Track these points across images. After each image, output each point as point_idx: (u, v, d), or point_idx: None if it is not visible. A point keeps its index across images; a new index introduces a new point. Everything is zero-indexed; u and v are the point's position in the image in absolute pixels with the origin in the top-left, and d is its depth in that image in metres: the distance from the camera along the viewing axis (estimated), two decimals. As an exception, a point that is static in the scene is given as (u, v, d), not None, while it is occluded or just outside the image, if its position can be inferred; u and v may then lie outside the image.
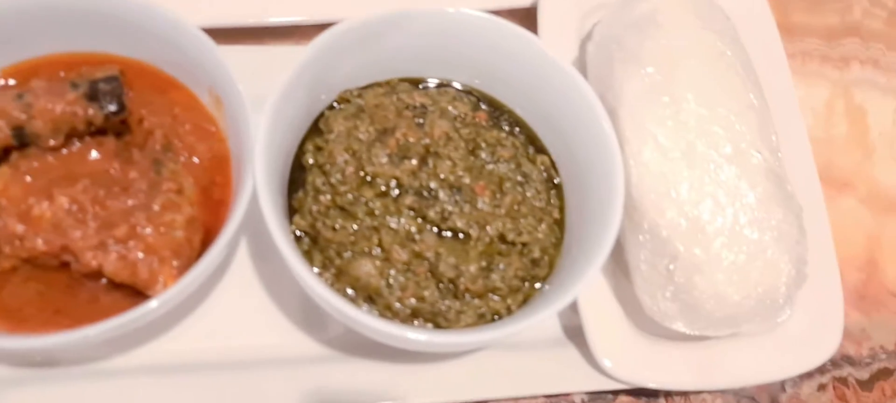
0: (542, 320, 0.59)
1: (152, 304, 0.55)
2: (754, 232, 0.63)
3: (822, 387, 0.79)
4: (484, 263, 0.64)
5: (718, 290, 0.63)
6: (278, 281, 0.71)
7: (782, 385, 0.78)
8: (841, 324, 0.72)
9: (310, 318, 0.70)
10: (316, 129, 0.68)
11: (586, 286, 0.59)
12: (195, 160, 0.65)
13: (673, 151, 0.64)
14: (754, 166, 0.64)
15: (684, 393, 0.75)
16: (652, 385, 0.69)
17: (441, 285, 0.63)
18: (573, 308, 0.72)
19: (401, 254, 0.62)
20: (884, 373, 0.81)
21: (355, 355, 0.69)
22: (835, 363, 0.80)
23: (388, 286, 0.62)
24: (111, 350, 0.66)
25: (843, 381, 0.80)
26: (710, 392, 0.73)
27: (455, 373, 0.69)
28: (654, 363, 0.69)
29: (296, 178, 0.67)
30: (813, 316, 0.71)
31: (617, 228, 0.60)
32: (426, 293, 0.62)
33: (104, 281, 0.60)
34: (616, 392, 0.75)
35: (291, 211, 0.65)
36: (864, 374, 0.80)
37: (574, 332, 0.73)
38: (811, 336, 0.71)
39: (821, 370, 0.80)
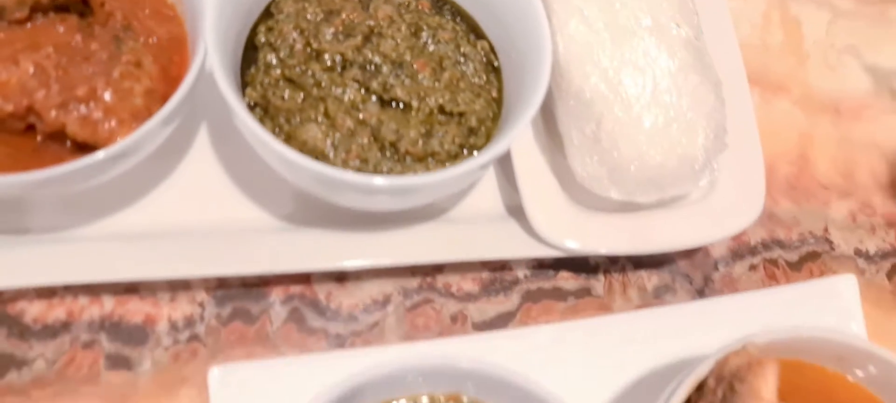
0: (478, 167, 0.63)
1: (99, 155, 0.60)
2: (672, 96, 0.68)
3: (753, 267, 0.84)
4: (423, 130, 0.69)
5: (641, 151, 0.68)
6: (238, 161, 0.75)
7: (715, 264, 0.83)
8: (762, 194, 0.77)
9: (267, 193, 0.75)
10: (267, 14, 0.73)
11: (517, 137, 0.64)
12: (153, 40, 0.70)
13: (597, 23, 0.69)
14: (673, 37, 0.69)
15: (617, 258, 0.80)
16: (588, 250, 0.74)
17: (383, 149, 0.68)
18: (514, 187, 0.77)
19: (345, 121, 0.67)
20: (812, 256, 0.86)
21: (307, 225, 0.74)
22: (766, 245, 0.85)
23: (334, 148, 0.67)
24: (79, 219, 0.71)
25: (774, 262, 0.84)
26: (641, 255, 0.78)
27: (399, 240, 0.73)
28: (589, 230, 0.74)
29: (249, 57, 0.71)
30: (736, 188, 0.76)
31: (546, 82, 0.64)
32: (369, 155, 0.67)
33: (68, 143, 0.65)
34: (556, 268, 0.80)
35: (245, 85, 0.70)
36: (794, 256, 0.85)
37: (515, 210, 0.78)
38: (735, 206, 0.76)
39: (752, 251, 0.85)
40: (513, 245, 0.75)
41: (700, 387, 0.61)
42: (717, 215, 0.75)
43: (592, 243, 0.73)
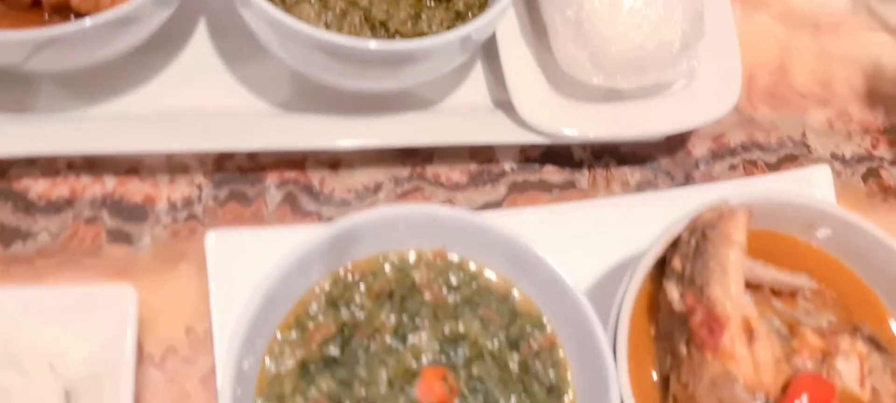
0: (469, 35, 0.66)
1: (86, 22, 0.63)
2: (651, -20, 0.71)
3: (733, 167, 0.87)
4: (413, 12, 0.72)
5: (620, 33, 0.71)
6: (237, 53, 0.78)
7: (696, 162, 0.86)
8: (738, 85, 0.79)
9: (264, 82, 0.77)
10: None
11: (504, 11, 0.67)
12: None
13: (579, -88, 0.72)
14: (653, -76, 0.72)
15: (601, 154, 0.83)
16: (571, 135, 0.76)
17: (374, 29, 0.71)
18: (501, 82, 0.79)
19: (337, 1, 0.70)
20: (789, 158, 0.88)
21: (302, 111, 0.77)
22: (745, 147, 0.88)
23: (326, 26, 0.70)
24: (83, 102, 0.74)
25: (753, 163, 0.87)
26: (623, 142, 0.81)
27: (391, 125, 0.76)
28: (573, 118, 0.77)
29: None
30: (714, 80, 0.79)
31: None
32: (361, 34, 0.70)
33: (73, 17, 0.68)
34: (542, 162, 0.83)
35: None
36: (772, 158, 0.88)
37: (502, 104, 0.80)
38: (712, 96, 0.79)
39: (732, 152, 0.88)
40: (499, 131, 0.78)
41: (675, 243, 0.64)
42: (695, 104, 0.78)
43: (576, 129, 0.76)
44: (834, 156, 0.90)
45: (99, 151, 0.72)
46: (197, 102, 0.76)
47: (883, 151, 0.91)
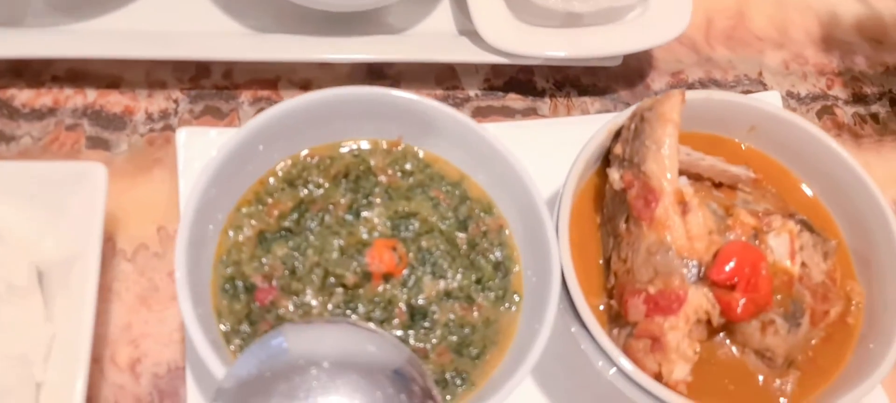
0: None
1: None
2: None
3: (690, 101, 0.90)
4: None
5: (575, -46, 0.76)
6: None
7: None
8: (688, 13, 0.83)
9: (242, 6, 0.82)
10: None
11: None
12: None
13: None
14: None
15: (563, 84, 0.87)
16: (529, 53, 0.80)
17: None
18: (465, 13, 0.84)
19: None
20: (745, 94, 0.92)
21: (276, 32, 0.81)
22: (703, 84, 0.92)
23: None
24: (69, 20, 0.78)
25: (710, 98, 0.91)
26: (577, 63, 0.84)
27: (360, 44, 0.81)
28: (533, 41, 0.81)
29: None
30: (666, 8, 0.83)
31: None
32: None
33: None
34: (506, 90, 0.87)
35: None
36: (729, 94, 0.92)
37: (466, 33, 0.85)
38: (663, 21, 0.83)
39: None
40: (464, 52, 0.82)
41: (617, 134, 0.68)
42: (647, 29, 0.82)
43: (534, 49, 0.80)
44: (789, 95, 0.93)
45: (81, 55, 0.76)
46: (177, 26, 0.81)
47: (838, 91, 0.95)
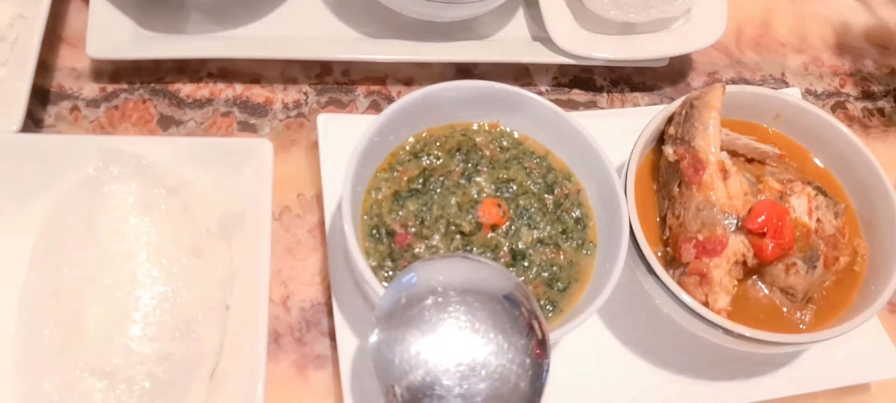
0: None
1: None
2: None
3: (724, 97, 1.08)
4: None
5: (633, -24, 0.94)
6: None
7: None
8: (723, 23, 1.01)
9: (357, 16, 1.00)
10: None
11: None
12: None
13: None
14: None
15: (617, 81, 1.04)
16: (594, 56, 0.98)
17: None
18: (537, 22, 1.02)
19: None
20: (771, 91, 1.09)
21: (383, 38, 0.99)
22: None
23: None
24: (222, 28, 0.97)
25: (741, 94, 1.08)
26: (634, 64, 1.02)
27: (450, 49, 0.99)
28: (597, 45, 0.99)
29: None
30: (704, 18, 1.01)
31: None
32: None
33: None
34: (571, 86, 1.05)
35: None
36: (757, 91, 1.09)
37: (540, 38, 1.03)
38: (703, 30, 1.00)
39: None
40: (538, 54, 1.00)
41: (670, 120, 0.86)
42: (689, 36, 1.00)
43: (597, 53, 0.98)
44: (808, 92, 1.11)
45: (229, 56, 0.95)
46: (305, 32, 0.99)
47: (849, 89, 1.12)
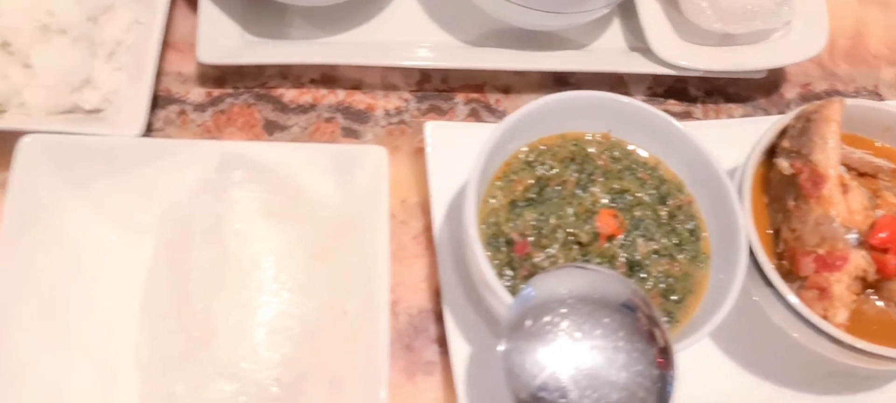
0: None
1: None
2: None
3: (818, 108, 1.07)
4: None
5: (737, -9, 0.94)
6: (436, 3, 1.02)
7: (788, 103, 1.07)
8: (824, 36, 1.00)
9: (457, 24, 1.01)
10: None
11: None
12: None
13: None
14: None
15: (712, 92, 1.04)
16: (694, 66, 0.98)
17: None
18: (635, 34, 1.02)
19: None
20: (865, 103, 1.09)
21: (482, 46, 1.00)
22: (828, 93, 1.09)
23: (514, -25, 0.93)
24: (324, 33, 0.98)
25: (834, 106, 1.08)
26: (732, 75, 1.02)
27: (548, 58, 0.99)
28: (697, 56, 0.99)
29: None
30: (804, 30, 1.01)
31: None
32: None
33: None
34: (666, 97, 1.05)
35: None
36: (851, 103, 1.09)
37: (637, 49, 1.03)
38: (803, 42, 1.00)
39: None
40: (636, 64, 1.00)
41: (782, 133, 0.85)
42: (789, 48, 1.00)
43: (698, 63, 0.98)
44: (901, 104, 1.10)
45: (331, 62, 0.96)
46: (405, 39, 1.00)
47: (942, 102, 1.11)
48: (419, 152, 0.94)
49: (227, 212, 0.76)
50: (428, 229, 0.90)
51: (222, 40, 0.93)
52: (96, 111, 0.86)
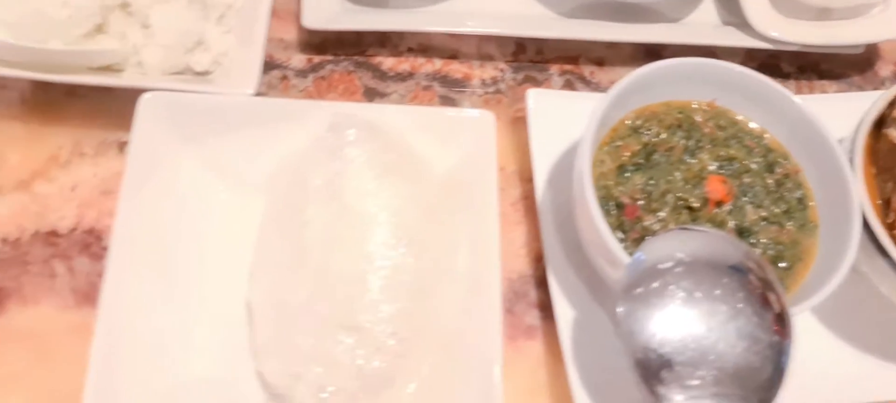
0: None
1: None
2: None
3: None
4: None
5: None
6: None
7: (882, 81, 1.06)
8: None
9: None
10: None
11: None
12: None
13: None
14: None
15: (805, 67, 1.04)
16: (791, 39, 0.98)
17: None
18: (727, 8, 1.02)
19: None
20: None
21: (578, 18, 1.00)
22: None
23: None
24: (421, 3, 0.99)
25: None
26: (828, 50, 1.01)
27: (643, 31, 0.99)
28: (795, 30, 0.99)
29: None
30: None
31: None
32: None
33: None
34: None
35: None
36: (945, 82, 1.08)
37: (731, 22, 1.03)
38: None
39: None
40: (732, 38, 1.00)
41: (893, 102, 0.85)
42: (888, 23, 0.99)
43: (796, 37, 0.98)
44: None
45: (427, 30, 0.96)
46: (501, 9, 1.00)
47: None
48: (516, 121, 0.95)
49: (344, 169, 0.77)
50: (526, 196, 0.91)
51: (325, 7, 0.94)
52: (205, 73, 0.87)
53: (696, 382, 0.68)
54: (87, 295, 0.81)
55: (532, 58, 1.01)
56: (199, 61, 0.86)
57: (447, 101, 0.97)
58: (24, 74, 0.81)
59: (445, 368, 0.75)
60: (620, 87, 0.80)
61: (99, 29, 0.84)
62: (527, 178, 0.91)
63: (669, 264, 0.70)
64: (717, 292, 0.69)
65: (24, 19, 0.80)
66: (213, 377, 0.76)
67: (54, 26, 0.80)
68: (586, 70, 1.01)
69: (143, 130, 0.79)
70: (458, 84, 0.98)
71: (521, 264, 0.88)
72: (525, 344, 0.85)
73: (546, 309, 0.85)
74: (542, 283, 0.87)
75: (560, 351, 0.81)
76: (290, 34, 0.98)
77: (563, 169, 0.89)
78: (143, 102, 0.79)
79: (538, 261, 0.88)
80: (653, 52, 1.03)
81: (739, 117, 0.86)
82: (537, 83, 0.99)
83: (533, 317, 0.86)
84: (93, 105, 0.90)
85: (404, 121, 0.84)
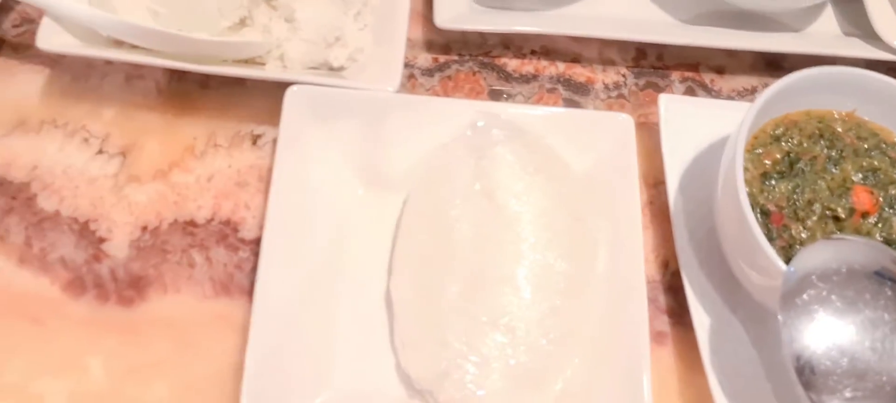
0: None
1: None
2: None
3: None
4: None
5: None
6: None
7: None
8: None
9: (674, 5, 1.02)
10: None
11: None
12: None
13: None
14: None
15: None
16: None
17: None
18: (849, 19, 1.02)
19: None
20: None
21: (697, 25, 1.00)
22: None
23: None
24: (545, 4, 0.99)
25: None
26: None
27: (761, 39, 0.99)
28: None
29: None
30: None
31: None
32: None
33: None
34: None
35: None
36: None
37: (851, 34, 1.02)
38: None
39: None
40: (854, 49, 0.99)
41: None
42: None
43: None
44: None
45: (551, 32, 0.97)
46: (623, 14, 1.01)
47: None
48: (640, 126, 0.94)
49: (493, 168, 0.77)
50: (652, 201, 0.91)
51: (455, 7, 0.95)
52: (340, 69, 0.88)
53: (857, 394, 0.68)
54: (225, 286, 0.81)
55: (653, 64, 1.01)
56: (336, 56, 0.86)
57: (571, 104, 0.97)
58: (173, 65, 0.81)
59: (590, 369, 0.75)
60: (768, 95, 0.80)
61: (242, 22, 0.84)
62: (651, 183, 0.91)
63: (828, 273, 0.70)
64: (881, 302, 0.68)
65: (175, 9, 0.80)
66: (355, 370, 0.76)
67: (203, 17, 0.81)
68: (707, 78, 1.01)
69: (290, 124, 0.80)
70: (581, 88, 0.98)
71: (650, 269, 0.88)
72: (655, 350, 0.84)
73: (675, 314, 0.85)
74: (669, 289, 0.87)
75: (690, 358, 0.81)
76: (416, 34, 0.98)
77: (695, 174, 0.89)
78: (290, 95, 0.80)
79: (665, 267, 0.87)
80: (773, 62, 1.03)
81: (880, 128, 0.85)
82: (659, 89, 0.99)
83: (662, 323, 0.85)
84: (225, 97, 0.91)
85: (544, 122, 0.84)
